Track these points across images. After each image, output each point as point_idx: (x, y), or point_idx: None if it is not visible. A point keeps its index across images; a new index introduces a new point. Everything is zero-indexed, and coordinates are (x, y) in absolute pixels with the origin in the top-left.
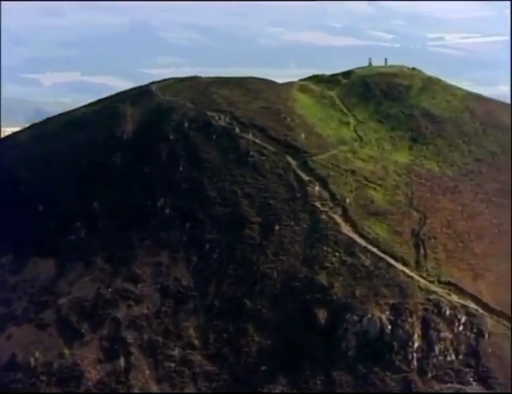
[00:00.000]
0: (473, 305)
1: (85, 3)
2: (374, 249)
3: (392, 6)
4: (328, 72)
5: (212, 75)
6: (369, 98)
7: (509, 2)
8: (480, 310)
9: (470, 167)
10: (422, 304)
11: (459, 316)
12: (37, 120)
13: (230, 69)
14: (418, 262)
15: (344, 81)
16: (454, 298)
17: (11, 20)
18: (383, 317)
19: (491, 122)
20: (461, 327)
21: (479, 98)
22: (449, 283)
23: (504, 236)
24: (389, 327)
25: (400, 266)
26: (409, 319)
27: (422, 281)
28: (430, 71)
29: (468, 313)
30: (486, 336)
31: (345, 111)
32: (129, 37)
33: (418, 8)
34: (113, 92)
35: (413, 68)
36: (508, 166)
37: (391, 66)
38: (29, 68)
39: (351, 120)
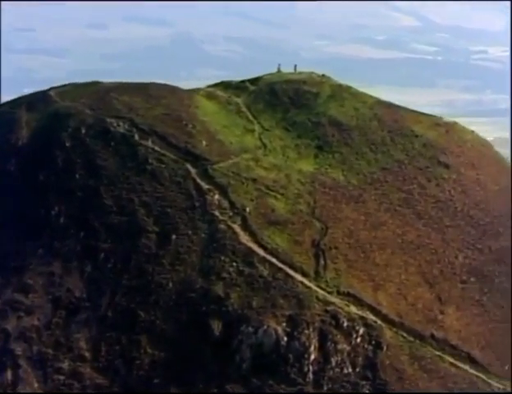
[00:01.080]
0: (371, 317)
1: (129, 15)
2: (273, 260)
3: (436, 18)
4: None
5: None
6: (276, 105)
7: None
8: (379, 322)
9: (376, 176)
10: (319, 315)
11: (357, 328)
12: None
13: None
14: (317, 272)
15: (251, 88)
16: (353, 309)
17: (58, 30)
18: (279, 328)
19: (400, 130)
20: (359, 339)
21: (389, 106)
22: (348, 294)
23: (406, 247)
24: (285, 338)
25: (298, 276)
26: (306, 331)
27: (320, 291)
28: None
29: (367, 325)
30: (385, 348)
31: (251, 118)
32: (170, 49)
33: (461, 21)
34: None
35: (323, 75)
36: (414, 175)
37: (300, 73)
38: (71, 81)
39: (256, 127)
